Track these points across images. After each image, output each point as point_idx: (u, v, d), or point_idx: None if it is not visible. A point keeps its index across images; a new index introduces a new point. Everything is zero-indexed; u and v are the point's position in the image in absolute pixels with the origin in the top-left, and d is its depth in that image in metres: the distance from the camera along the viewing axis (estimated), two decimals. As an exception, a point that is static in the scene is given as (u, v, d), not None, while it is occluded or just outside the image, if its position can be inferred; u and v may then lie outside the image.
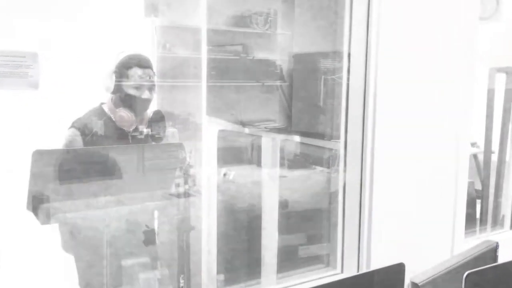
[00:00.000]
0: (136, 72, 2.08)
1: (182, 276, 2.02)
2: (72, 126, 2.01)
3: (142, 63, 2.11)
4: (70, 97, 2.10)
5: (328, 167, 2.14)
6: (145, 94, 2.10)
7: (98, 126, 2.03)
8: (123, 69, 2.08)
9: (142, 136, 2.11)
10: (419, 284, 1.28)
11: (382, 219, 1.68)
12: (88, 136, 1.99)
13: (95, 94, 2.11)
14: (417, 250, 1.70)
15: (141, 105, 2.10)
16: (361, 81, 1.64)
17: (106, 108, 2.11)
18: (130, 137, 2.07)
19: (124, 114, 2.07)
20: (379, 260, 1.65)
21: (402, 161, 1.68)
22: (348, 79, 1.70)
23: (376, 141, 1.63)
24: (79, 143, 1.99)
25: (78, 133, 1.99)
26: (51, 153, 1.86)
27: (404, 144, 1.68)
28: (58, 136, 2.00)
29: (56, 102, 2.01)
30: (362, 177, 1.67)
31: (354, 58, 1.66)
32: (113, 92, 2.09)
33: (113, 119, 2.09)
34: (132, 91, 2.08)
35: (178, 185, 2.14)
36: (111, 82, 2.06)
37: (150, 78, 2.10)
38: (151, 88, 2.12)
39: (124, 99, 2.08)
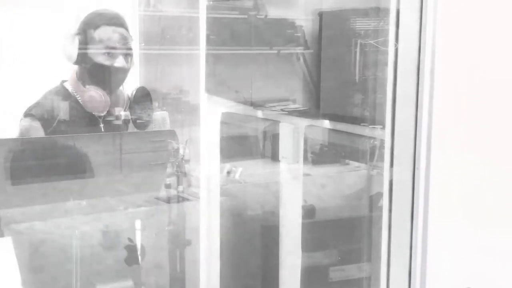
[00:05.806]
0: (105, 32, 2.08)
1: (174, 305, 2.04)
2: (28, 114, 2.01)
3: (113, 21, 2.11)
4: (17, 73, 2.09)
5: (367, 162, 2.14)
6: (119, 62, 2.09)
7: (61, 112, 2.03)
8: (88, 30, 2.07)
9: (120, 122, 2.11)
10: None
11: (442, 231, 1.64)
12: (51, 126, 1.99)
13: (52, 68, 2.12)
14: (486, 274, 1.68)
15: (115, 77, 2.10)
16: (414, 47, 1.60)
17: (69, 87, 2.11)
18: (102, 124, 2.09)
19: (95, 93, 2.08)
20: (436, 285, 1.63)
21: (469, 155, 1.64)
22: (396, 44, 1.67)
23: (434, 128, 1.59)
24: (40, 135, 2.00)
25: (37, 123, 1.99)
26: (1, 144, 1.87)
27: (473, 131, 1.64)
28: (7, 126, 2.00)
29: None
30: (415, 175, 1.63)
31: (405, 16, 1.63)
32: (77, 63, 2.08)
33: (80, 102, 2.08)
34: (101, 59, 2.08)
35: (169, 186, 2.16)
36: (73, 49, 2.05)
37: (125, 40, 2.10)
38: (127, 55, 2.11)
39: (92, 71, 2.08)
